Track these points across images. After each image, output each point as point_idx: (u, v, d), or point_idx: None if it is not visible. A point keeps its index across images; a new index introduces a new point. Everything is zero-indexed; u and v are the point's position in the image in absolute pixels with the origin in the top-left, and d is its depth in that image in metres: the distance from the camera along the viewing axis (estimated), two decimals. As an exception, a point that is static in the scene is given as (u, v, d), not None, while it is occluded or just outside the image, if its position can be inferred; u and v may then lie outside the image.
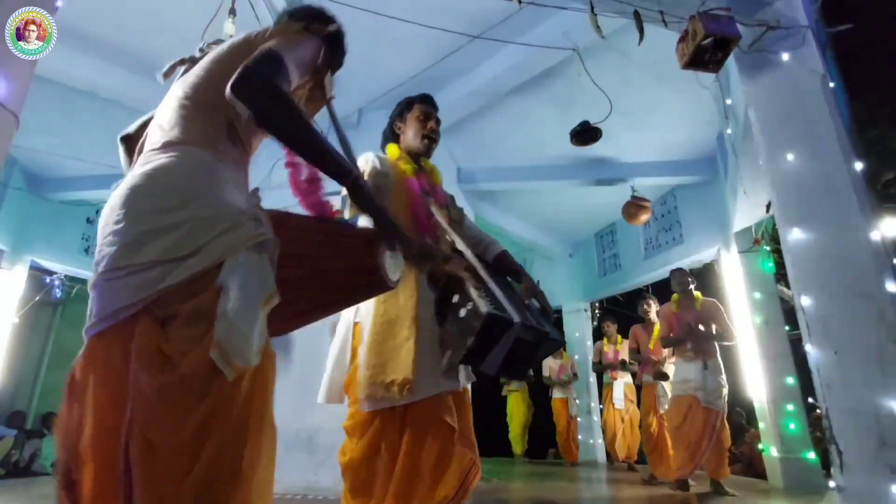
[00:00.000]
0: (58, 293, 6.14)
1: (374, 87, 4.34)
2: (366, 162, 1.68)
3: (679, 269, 4.25)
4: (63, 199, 5.70)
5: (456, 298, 1.53)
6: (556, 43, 3.50)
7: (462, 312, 1.47)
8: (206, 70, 1.10)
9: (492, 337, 1.40)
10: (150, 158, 1.00)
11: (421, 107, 1.87)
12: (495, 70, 4.01)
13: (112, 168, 5.07)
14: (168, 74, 1.25)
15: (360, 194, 1.12)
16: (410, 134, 1.84)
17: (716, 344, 3.87)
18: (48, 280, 5.99)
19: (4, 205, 5.19)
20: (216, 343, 0.83)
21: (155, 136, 1.05)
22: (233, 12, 3.08)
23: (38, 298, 5.77)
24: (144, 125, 1.20)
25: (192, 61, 1.21)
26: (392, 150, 1.83)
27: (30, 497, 3.88)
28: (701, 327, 3.86)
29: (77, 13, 3.35)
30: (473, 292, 1.48)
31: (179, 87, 1.12)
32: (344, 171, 1.09)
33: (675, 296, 4.15)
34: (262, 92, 0.99)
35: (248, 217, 0.97)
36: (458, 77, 4.18)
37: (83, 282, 6.26)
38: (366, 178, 1.58)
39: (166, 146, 1.01)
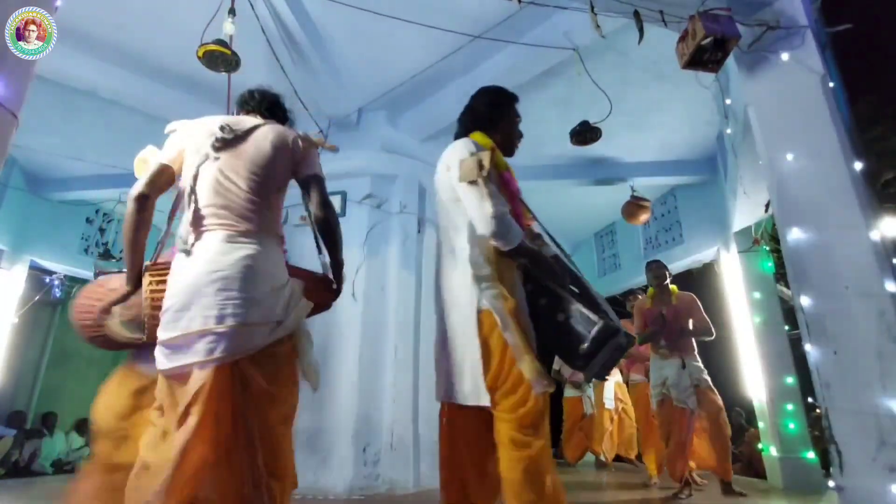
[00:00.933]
0: (57, 293, 6.14)
1: (374, 87, 4.34)
2: (485, 155, 1.65)
3: (655, 262, 4.05)
4: (63, 199, 5.70)
5: (544, 302, 1.63)
6: (555, 43, 3.50)
7: (560, 317, 1.60)
8: (263, 170, 1.52)
9: (602, 343, 1.54)
10: (238, 239, 1.44)
11: (517, 108, 1.91)
12: (495, 70, 4.01)
13: (112, 168, 5.07)
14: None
15: (341, 270, 1.69)
16: (506, 130, 1.87)
17: (693, 341, 3.75)
18: (48, 280, 5.99)
19: (4, 204, 5.19)
20: (308, 373, 1.53)
21: (224, 218, 1.46)
22: (232, 12, 3.07)
23: (37, 298, 5.77)
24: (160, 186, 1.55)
25: (225, 142, 1.54)
26: (483, 139, 1.78)
27: (29, 497, 3.88)
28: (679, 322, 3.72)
29: (77, 13, 3.35)
30: (569, 297, 1.60)
31: (240, 179, 1.50)
32: (342, 263, 1.69)
33: (650, 290, 4.00)
34: (336, 221, 1.63)
35: (301, 292, 1.54)
36: (458, 77, 4.18)
37: (83, 281, 6.26)
38: (490, 168, 1.63)
39: (249, 234, 1.45)
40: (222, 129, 1.53)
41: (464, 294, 1.59)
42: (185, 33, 3.27)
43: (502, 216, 1.57)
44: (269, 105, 1.75)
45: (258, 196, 1.49)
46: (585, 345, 1.54)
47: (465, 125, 1.86)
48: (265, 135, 1.57)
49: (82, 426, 6.70)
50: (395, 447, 3.85)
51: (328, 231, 1.60)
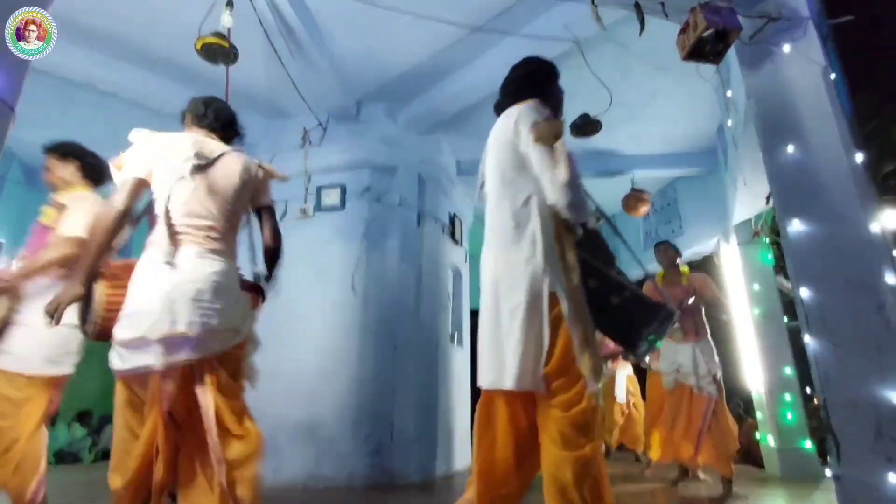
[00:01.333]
0: (58, 286, 6.12)
1: (373, 79, 4.32)
2: (562, 122, 1.58)
3: (664, 242, 3.88)
4: (60, 192, 5.68)
5: (593, 284, 1.54)
6: (555, 34, 3.48)
7: (614, 300, 1.53)
8: (232, 198, 1.73)
9: (662, 325, 1.53)
10: (208, 256, 1.62)
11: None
12: (494, 62, 3.99)
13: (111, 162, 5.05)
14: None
15: (273, 282, 1.92)
16: (556, 103, 1.77)
17: (706, 324, 3.60)
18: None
19: (3, 198, 5.17)
20: (248, 373, 1.73)
21: (196, 236, 1.63)
22: (230, 4, 3.05)
23: (38, 292, 5.75)
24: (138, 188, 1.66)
25: (198, 168, 1.68)
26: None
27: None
28: (690, 301, 3.54)
29: (74, 5, 3.33)
30: (620, 279, 1.55)
31: (212, 204, 1.67)
32: (276, 277, 1.93)
33: (660, 272, 3.80)
34: (282, 248, 1.92)
35: (251, 304, 1.78)
36: (457, 69, 4.16)
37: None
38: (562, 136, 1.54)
39: (218, 253, 1.65)
40: (197, 156, 1.68)
41: (529, 272, 1.45)
42: (184, 25, 3.25)
43: (578, 186, 1.46)
44: (223, 124, 1.85)
45: (226, 220, 1.70)
46: (649, 328, 1.50)
47: (517, 92, 1.71)
48: (232, 164, 1.76)
49: (84, 417, 6.73)
50: (396, 438, 3.87)
51: (276, 257, 1.90)
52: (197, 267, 1.57)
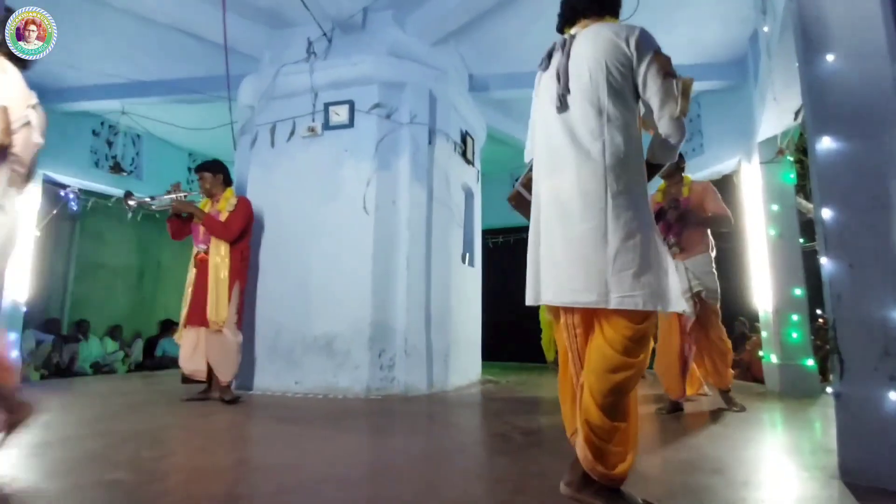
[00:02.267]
0: (73, 206, 6.19)
1: (380, -17, 4.02)
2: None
3: None
4: (66, 111, 5.58)
5: None
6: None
7: None
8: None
9: None
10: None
11: None
12: (511, -39, 3.66)
13: (108, 77, 4.90)
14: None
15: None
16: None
17: (709, 238, 3.31)
18: (63, 194, 6.03)
19: (8, 117, 5.10)
20: None
21: (19, 181, 1.85)
22: None
23: (55, 212, 5.84)
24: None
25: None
26: None
27: (73, 393, 4.21)
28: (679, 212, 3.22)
29: None
30: None
31: (30, 152, 1.88)
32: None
33: (662, 184, 3.46)
34: None
35: None
36: (470, -30, 3.84)
37: (98, 195, 6.32)
38: None
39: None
40: (33, 106, 1.79)
41: (632, 200, 1.46)
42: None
43: (685, 125, 1.51)
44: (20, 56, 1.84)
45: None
46: None
47: (601, 7, 1.70)
48: (41, 113, 1.88)
49: (115, 332, 7.12)
50: (409, 353, 4.04)
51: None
52: (19, 209, 1.83)
